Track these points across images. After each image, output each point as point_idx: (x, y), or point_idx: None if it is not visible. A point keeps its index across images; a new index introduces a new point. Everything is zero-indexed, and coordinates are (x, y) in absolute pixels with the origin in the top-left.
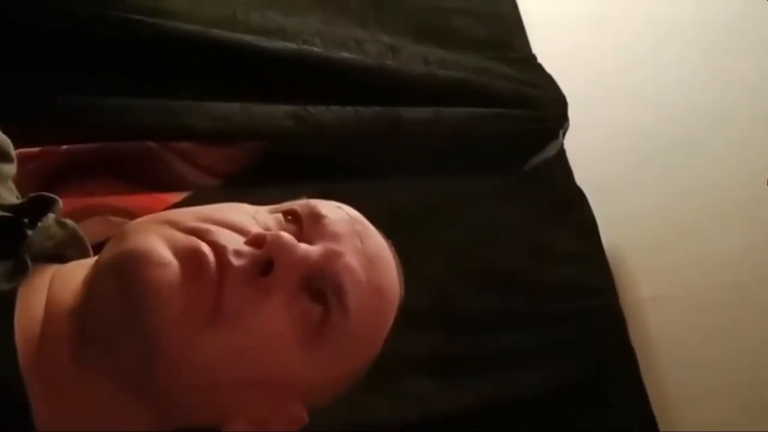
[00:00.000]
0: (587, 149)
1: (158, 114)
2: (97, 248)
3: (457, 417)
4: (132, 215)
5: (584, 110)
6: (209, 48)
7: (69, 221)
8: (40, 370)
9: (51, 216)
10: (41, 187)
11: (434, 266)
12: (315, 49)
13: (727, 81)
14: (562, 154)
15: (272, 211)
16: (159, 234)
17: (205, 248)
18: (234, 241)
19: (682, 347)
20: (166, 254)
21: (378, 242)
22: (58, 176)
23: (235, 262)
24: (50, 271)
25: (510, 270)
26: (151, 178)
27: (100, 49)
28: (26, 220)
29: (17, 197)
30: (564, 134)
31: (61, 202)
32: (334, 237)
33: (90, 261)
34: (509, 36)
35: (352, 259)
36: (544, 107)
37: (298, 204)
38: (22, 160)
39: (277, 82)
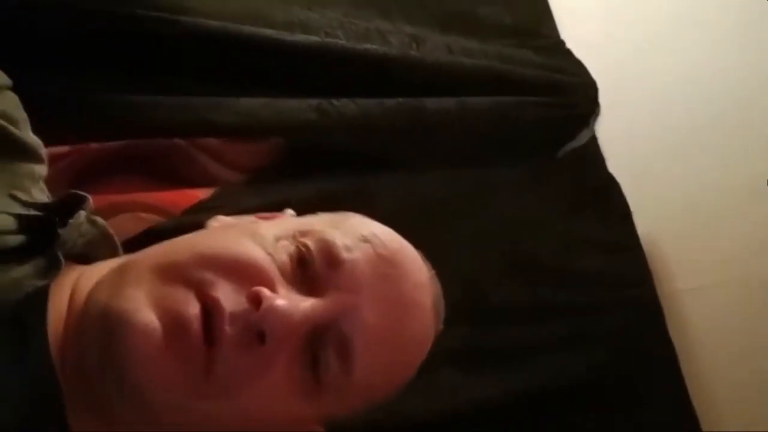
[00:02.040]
0: (620, 136)
1: (184, 111)
2: (127, 245)
3: (488, 410)
4: (161, 211)
5: (616, 96)
6: (233, 43)
7: (99, 219)
8: (63, 363)
9: (82, 213)
10: (72, 185)
11: (464, 257)
12: (338, 41)
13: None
14: (593, 141)
15: (294, 236)
16: (150, 292)
17: (192, 314)
18: (234, 299)
19: (723, 340)
20: (149, 319)
21: (411, 282)
22: (88, 174)
23: (229, 329)
24: (78, 271)
25: (541, 260)
26: (179, 175)
27: (126, 46)
28: (57, 219)
29: (48, 197)
30: (595, 121)
31: (91, 200)
32: (351, 285)
33: (113, 262)
34: (536, 22)
35: (367, 313)
36: (573, 93)
37: (317, 238)
38: (53, 159)
39: (301, 75)
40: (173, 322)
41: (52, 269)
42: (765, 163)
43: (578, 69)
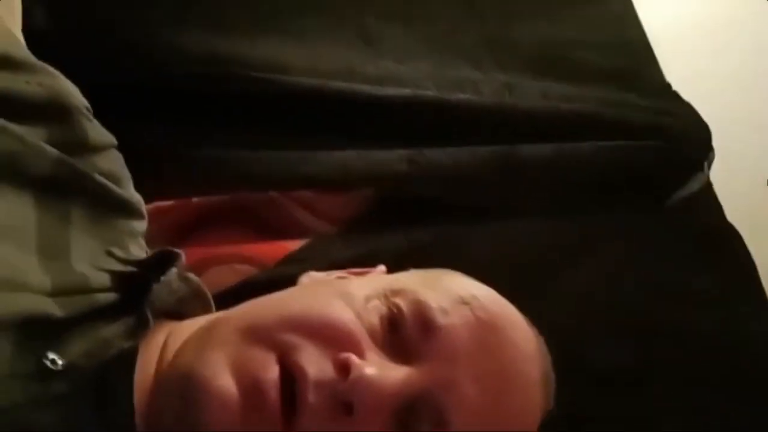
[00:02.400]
0: (739, 182)
1: (280, 165)
2: (221, 297)
3: None
4: (255, 262)
5: (732, 139)
6: (328, 99)
7: (192, 276)
8: (148, 425)
9: (173, 271)
10: (173, 240)
11: (563, 315)
12: (429, 92)
13: None
14: (708, 187)
15: (386, 296)
16: (232, 354)
17: (270, 381)
18: (319, 365)
19: None
20: (227, 387)
21: (515, 351)
22: (189, 229)
23: (312, 398)
24: (168, 327)
25: (650, 318)
26: (273, 226)
27: (224, 104)
28: (150, 276)
29: (146, 253)
30: (709, 165)
31: (183, 256)
32: (449, 354)
33: (203, 320)
34: (638, 64)
35: (466, 387)
36: (683, 137)
37: (410, 298)
38: (157, 215)
39: (393, 127)
40: (251, 387)
41: (140, 329)
42: None
43: (687, 111)
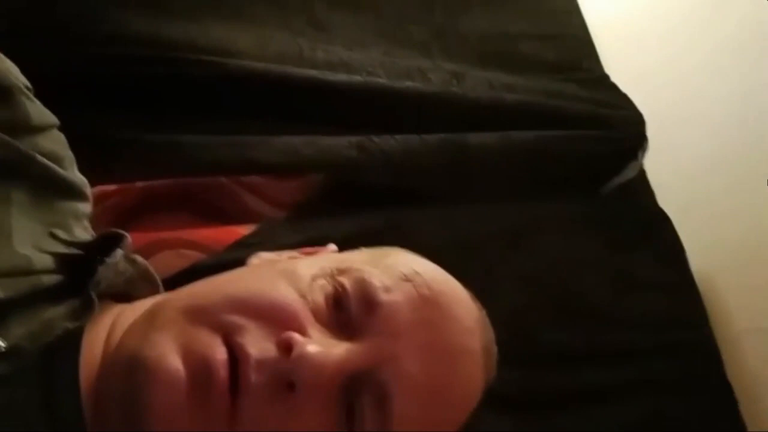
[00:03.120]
0: (669, 170)
1: (228, 149)
2: (169, 282)
3: None
4: (203, 248)
5: (665, 129)
6: (276, 84)
7: (139, 258)
8: (96, 407)
9: (119, 252)
10: (117, 223)
11: (509, 297)
12: (379, 80)
13: None
14: (642, 175)
15: (332, 275)
16: (178, 335)
17: (219, 362)
18: (262, 345)
19: None
20: (175, 367)
21: (457, 326)
22: (134, 213)
23: (255, 378)
24: (116, 310)
25: (590, 301)
26: (222, 212)
27: (172, 89)
28: (95, 258)
29: (92, 236)
30: (643, 154)
31: (129, 238)
32: (390, 330)
33: (149, 302)
34: (579, 57)
35: (408, 361)
36: (619, 127)
37: (355, 276)
38: (101, 198)
39: (343, 114)
40: (199, 368)
41: (85, 311)
42: None
43: (623, 102)
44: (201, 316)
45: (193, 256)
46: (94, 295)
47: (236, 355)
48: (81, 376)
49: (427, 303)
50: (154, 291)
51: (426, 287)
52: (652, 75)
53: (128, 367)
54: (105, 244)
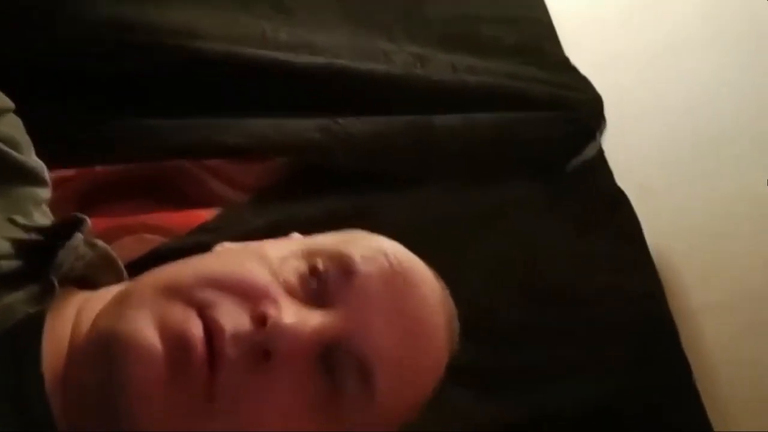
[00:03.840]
0: (627, 150)
1: (191, 133)
2: (131, 267)
3: (495, 429)
4: (166, 232)
5: (622, 109)
6: (239, 66)
7: (99, 242)
8: (65, 396)
9: (79, 236)
10: (76, 208)
11: (472, 277)
12: (343, 62)
13: None
14: (600, 155)
15: (303, 256)
16: (153, 310)
17: (196, 336)
18: (236, 319)
19: (740, 356)
20: (152, 341)
21: (426, 300)
22: (93, 198)
23: (231, 352)
24: (81, 297)
25: (551, 279)
26: (185, 196)
27: (133, 71)
28: (56, 243)
29: (51, 221)
30: (601, 134)
31: (89, 222)
32: (365, 300)
33: (117, 288)
34: (540, 40)
35: (383, 329)
36: (579, 108)
37: (328, 253)
38: (59, 183)
39: (307, 96)
40: (176, 343)
41: (46, 295)
42: None
43: (583, 84)
44: (175, 292)
45: (155, 241)
46: (54, 279)
47: (211, 330)
48: (45, 363)
49: (399, 276)
50: (117, 275)
51: (397, 264)
52: (611, 57)
53: (104, 345)
54: (65, 228)
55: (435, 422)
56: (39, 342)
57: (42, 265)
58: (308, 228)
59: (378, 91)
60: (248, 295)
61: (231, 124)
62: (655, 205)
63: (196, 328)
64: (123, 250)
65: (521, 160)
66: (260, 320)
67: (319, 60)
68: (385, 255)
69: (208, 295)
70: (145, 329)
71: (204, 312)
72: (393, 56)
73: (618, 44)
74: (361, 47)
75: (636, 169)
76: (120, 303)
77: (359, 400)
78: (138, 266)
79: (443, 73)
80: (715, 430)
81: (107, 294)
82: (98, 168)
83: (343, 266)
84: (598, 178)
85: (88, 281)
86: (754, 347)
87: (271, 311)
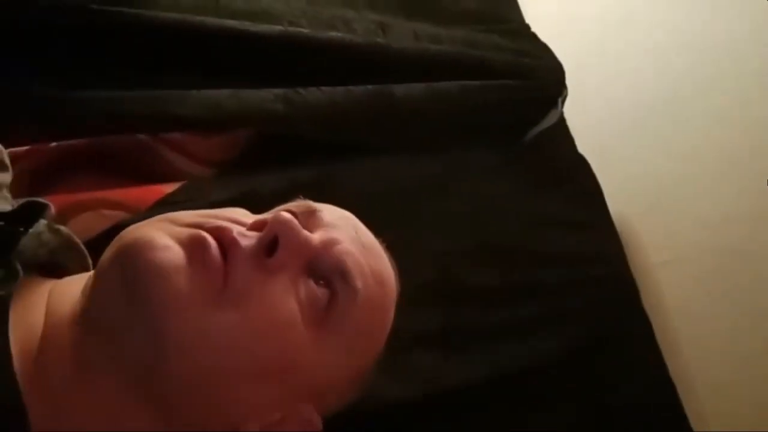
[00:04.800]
0: (587, 116)
1: (146, 105)
2: (90, 244)
3: (466, 391)
4: (126, 207)
5: (582, 76)
6: (194, 35)
7: (63, 228)
8: (38, 379)
9: (42, 222)
10: (32, 187)
11: (435, 240)
12: (302, 30)
13: (726, 36)
14: (562, 122)
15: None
16: (159, 228)
17: (207, 235)
18: (236, 227)
19: (699, 311)
20: (167, 241)
21: (371, 235)
22: (48, 175)
23: (242, 241)
24: (48, 284)
25: (512, 242)
26: (143, 170)
27: (82, 41)
28: (19, 228)
29: (12, 205)
30: (563, 102)
31: (52, 208)
32: (331, 226)
33: (88, 274)
34: (500, 7)
35: (350, 246)
36: (540, 76)
37: (292, 204)
38: (11, 161)
39: (266, 66)
40: (193, 243)
41: (9, 280)
42: (730, 133)
43: (544, 52)
44: (174, 222)
45: (115, 217)
46: (17, 265)
47: (220, 238)
48: (13, 347)
49: (349, 217)
50: (81, 260)
51: (344, 212)
52: (571, 24)
53: (121, 251)
54: (27, 213)
55: (401, 385)
56: (6, 325)
57: (4, 251)
58: (273, 199)
59: (339, 60)
60: (238, 222)
61: (186, 95)
62: (614, 169)
63: (206, 233)
64: (82, 227)
65: (482, 128)
66: (260, 226)
67: (276, 28)
68: (348, 217)
69: (206, 219)
70: (159, 234)
71: (206, 227)
72: (354, 24)
73: (578, 9)
74: (321, 15)
75: (596, 134)
76: (122, 235)
77: (344, 302)
78: (98, 242)
79: (405, 41)
80: (673, 379)
81: (77, 279)
82: (52, 144)
83: (307, 207)
84: (560, 145)
85: (52, 267)
86: (711, 299)
87: (266, 217)
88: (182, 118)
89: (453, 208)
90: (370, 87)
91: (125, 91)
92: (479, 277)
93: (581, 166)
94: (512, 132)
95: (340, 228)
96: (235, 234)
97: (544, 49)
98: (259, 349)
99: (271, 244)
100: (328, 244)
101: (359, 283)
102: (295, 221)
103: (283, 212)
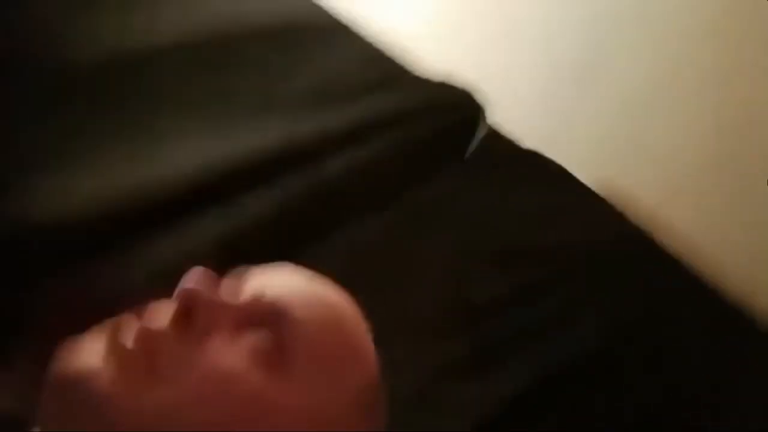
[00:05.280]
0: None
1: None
2: None
3: (510, 407)
4: None
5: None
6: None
7: None
8: None
9: None
10: None
11: (438, 265)
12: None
13: None
14: (493, 131)
15: None
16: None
17: (116, 328)
18: (146, 315)
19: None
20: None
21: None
22: None
23: (151, 324)
24: None
25: (511, 245)
26: None
27: None
28: None
29: None
30: (485, 117)
31: None
32: (261, 274)
33: None
34: (390, 70)
35: (282, 286)
36: (455, 108)
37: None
38: None
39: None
40: (106, 341)
41: None
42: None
43: (448, 88)
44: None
45: None
46: None
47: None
48: None
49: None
50: None
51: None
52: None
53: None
54: None
55: (447, 421)
56: None
57: None
58: None
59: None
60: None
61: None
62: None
63: (116, 328)
64: None
65: (427, 163)
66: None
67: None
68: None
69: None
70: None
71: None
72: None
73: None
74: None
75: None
76: None
77: (290, 337)
78: None
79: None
80: None
81: None
82: None
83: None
84: (504, 148)
85: None
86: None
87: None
88: None
89: (442, 231)
90: (301, 181)
91: None
92: (489, 289)
93: (534, 156)
94: (456, 154)
95: (271, 274)
96: (143, 321)
97: (443, 86)
98: (209, 411)
99: (188, 313)
100: (257, 293)
101: (298, 313)
102: (198, 287)
103: (186, 283)
